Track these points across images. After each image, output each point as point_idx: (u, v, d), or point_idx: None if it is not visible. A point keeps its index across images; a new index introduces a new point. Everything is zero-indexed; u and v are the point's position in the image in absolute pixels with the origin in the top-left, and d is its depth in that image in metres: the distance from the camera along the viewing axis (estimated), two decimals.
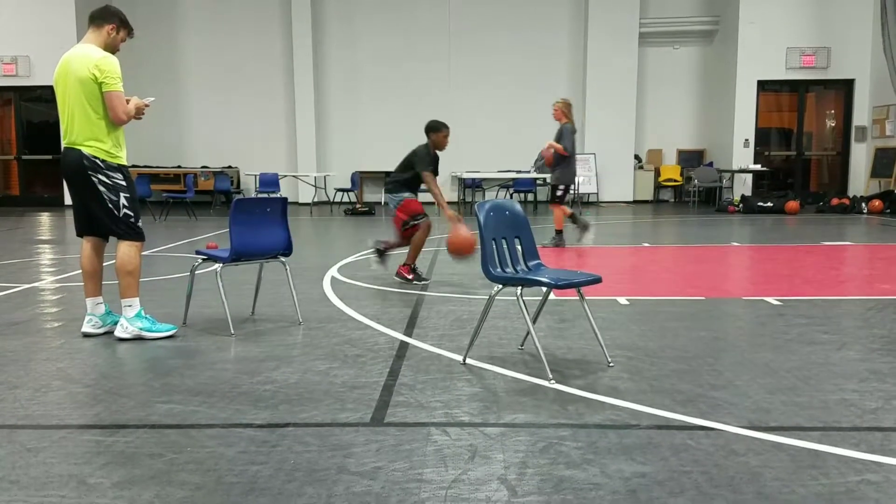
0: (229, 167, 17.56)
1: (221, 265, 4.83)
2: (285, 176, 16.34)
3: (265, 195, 15.20)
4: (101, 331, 4.69)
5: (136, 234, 4.62)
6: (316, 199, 16.88)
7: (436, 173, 6.68)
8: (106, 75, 4.40)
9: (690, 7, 16.95)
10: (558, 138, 9.07)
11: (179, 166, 17.56)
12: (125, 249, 4.57)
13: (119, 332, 4.59)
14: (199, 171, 17.08)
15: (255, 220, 4.84)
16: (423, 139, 6.79)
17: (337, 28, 17.37)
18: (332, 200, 16.97)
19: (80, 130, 4.44)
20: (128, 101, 4.53)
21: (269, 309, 5.49)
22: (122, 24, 4.65)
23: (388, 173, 16.91)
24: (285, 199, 5.08)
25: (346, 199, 16.94)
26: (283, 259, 5.01)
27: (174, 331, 4.71)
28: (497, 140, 17.18)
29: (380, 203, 17.00)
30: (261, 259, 5.01)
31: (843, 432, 3.01)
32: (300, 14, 17.03)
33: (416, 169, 6.57)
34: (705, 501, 2.42)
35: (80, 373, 3.92)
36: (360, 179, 16.98)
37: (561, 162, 9.11)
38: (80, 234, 4.72)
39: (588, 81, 16.76)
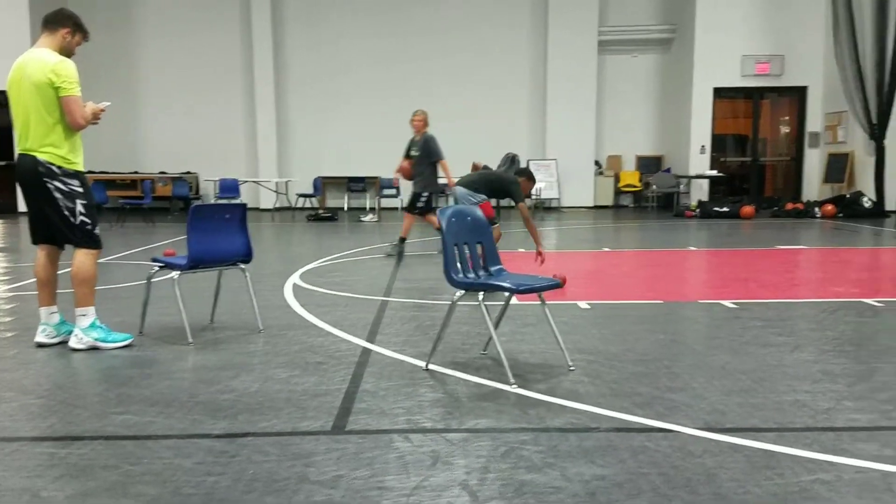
0: (188, 173, 17.32)
1: (179, 273, 4.76)
2: (245, 181, 16.17)
3: (225, 201, 15.04)
4: (55, 340, 4.59)
5: (93, 242, 4.52)
6: (278, 205, 16.74)
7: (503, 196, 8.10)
8: (63, 80, 4.31)
9: (648, 16, 17.22)
10: (426, 147, 9.02)
11: (136, 172, 17.26)
12: (81, 258, 4.48)
13: (73, 343, 4.49)
14: (156, 177, 16.82)
15: (213, 226, 4.78)
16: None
17: (297, 31, 17.26)
18: (294, 206, 16.83)
19: (35, 136, 4.34)
20: (84, 106, 4.44)
21: (228, 316, 5.42)
22: (77, 28, 4.55)
23: (350, 178, 16.96)
24: (244, 205, 5.03)
25: (308, 204, 16.82)
26: (242, 266, 4.96)
27: (130, 340, 4.63)
28: (460, 145, 17.19)
29: (342, 208, 16.93)
30: (219, 266, 4.95)
31: (796, 433, 3.08)
32: (260, 17, 16.88)
33: (516, 198, 7.68)
34: (663, 503, 2.46)
35: (33, 384, 3.83)
36: (323, 185, 16.89)
37: (426, 170, 9.08)
38: (36, 241, 4.61)
39: (549, 88, 16.91)
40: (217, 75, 17.28)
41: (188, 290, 6.22)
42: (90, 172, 16.95)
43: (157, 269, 4.92)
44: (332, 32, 17.20)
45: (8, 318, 5.45)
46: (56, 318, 4.62)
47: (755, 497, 2.49)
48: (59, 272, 4.72)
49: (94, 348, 4.48)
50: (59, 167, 4.36)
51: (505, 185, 7.90)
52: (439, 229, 3.85)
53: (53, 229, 4.49)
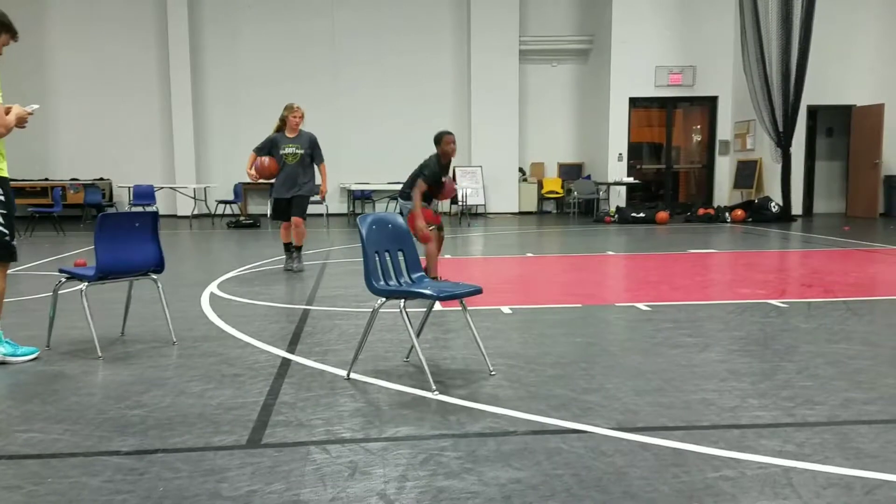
0: (101, 179, 16.70)
1: (87, 284, 4.58)
2: (161, 188, 15.72)
3: (139, 208, 14.57)
4: None
5: (8, 254, 4.31)
6: (196, 212, 16.31)
7: (441, 180, 6.80)
8: None
9: (567, 27, 17.61)
10: (313, 146, 8.10)
11: (47, 179, 16.54)
12: None
13: None
14: (67, 184, 16.15)
15: (122, 235, 4.61)
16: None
17: (215, 34, 16.89)
18: (213, 213, 16.45)
19: None
20: (8, 110, 4.21)
21: (140, 329, 5.24)
22: (4, 28, 4.35)
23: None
24: (156, 213, 4.89)
25: (228, 211, 16.47)
26: (154, 276, 4.81)
27: (37, 354, 4.43)
28: (385, 152, 17.20)
29: (265, 215, 16.64)
30: (130, 277, 4.79)
31: (703, 431, 3.19)
32: (176, 17, 16.45)
33: (423, 176, 6.68)
34: (575, 503, 2.51)
35: None
36: (244, 191, 16.56)
37: (310, 171, 8.18)
38: None
39: (473, 96, 17.08)
40: (132, 77, 16.75)
41: (98, 301, 5.99)
42: None
43: (64, 279, 4.72)
44: (252, 36, 16.92)
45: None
46: None
47: (662, 495, 2.57)
48: None
49: (1, 363, 4.28)
50: None
51: (420, 170, 6.90)
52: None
53: None
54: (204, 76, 16.91)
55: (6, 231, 4.30)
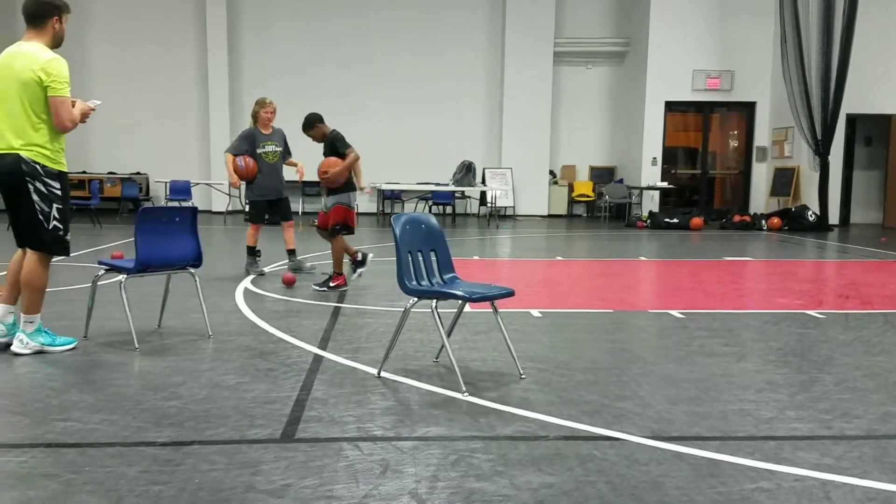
0: (138, 173, 16.97)
1: (126, 276, 4.66)
2: (198, 183, 15.92)
3: (175, 203, 14.78)
4: (4, 340, 4.43)
5: (63, 248, 4.40)
6: (230, 208, 16.50)
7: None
8: (53, 79, 4.17)
9: (603, 29, 17.51)
10: (286, 143, 7.81)
11: (84, 171, 16.84)
12: (35, 263, 4.32)
13: (17, 348, 4.34)
14: (105, 177, 16.43)
15: (162, 229, 4.69)
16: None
17: (253, 32, 17.07)
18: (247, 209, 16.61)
19: (19, 134, 4.17)
20: (72, 105, 4.29)
21: (176, 321, 5.32)
22: (61, 10, 4.35)
23: (306, 182, 16.82)
24: (195, 208, 4.96)
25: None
26: (192, 270, 4.88)
27: (74, 343, 4.52)
28: (416, 152, 17.25)
29: (297, 212, 16.76)
30: (168, 270, 4.86)
31: (739, 441, 3.15)
32: (214, 15, 16.65)
33: (342, 149, 6.58)
34: None
35: None
36: None
37: (281, 170, 7.82)
38: (20, 245, 4.45)
39: (505, 97, 17.05)
40: (171, 75, 16.99)
41: (135, 294, 6.08)
42: None
43: (103, 271, 4.81)
44: (289, 34, 17.06)
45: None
46: (10, 318, 4.47)
47: None
48: None
49: (39, 352, 4.36)
50: (43, 167, 4.22)
51: (334, 147, 6.93)
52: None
53: (22, 230, 4.32)
54: (241, 74, 17.09)
55: (61, 226, 4.35)
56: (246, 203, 7.34)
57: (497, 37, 17.28)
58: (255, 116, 7.52)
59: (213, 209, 16.77)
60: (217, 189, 16.34)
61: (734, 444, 3.12)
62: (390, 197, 16.40)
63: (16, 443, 3.02)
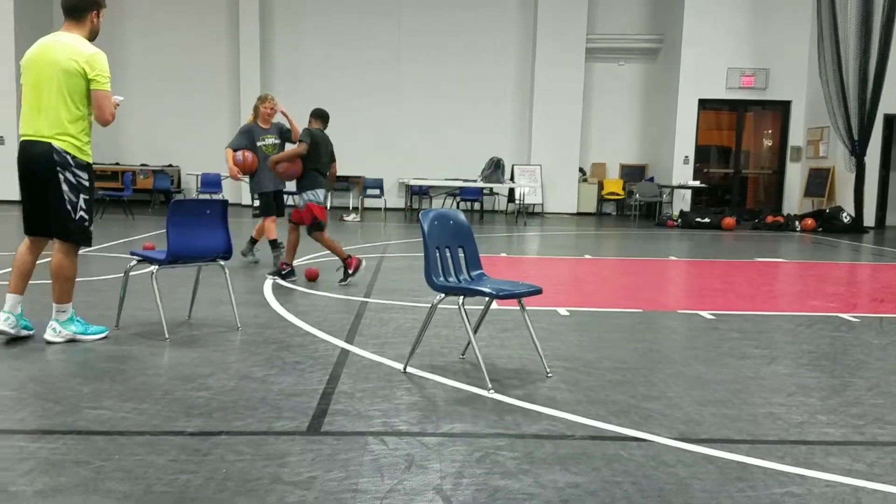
0: (169, 166, 17.19)
1: (157, 267, 4.72)
2: (227, 177, 16.06)
3: (206, 196, 14.95)
4: (12, 331, 4.38)
5: (86, 239, 4.44)
6: None
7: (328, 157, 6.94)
8: (97, 73, 4.23)
9: (636, 25, 17.35)
10: (286, 137, 7.75)
11: (118, 163, 17.11)
12: (65, 254, 4.37)
13: (50, 336, 4.40)
14: (137, 169, 16.67)
15: (193, 221, 4.75)
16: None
17: (284, 28, 17.19)
18: None
19: (52, 123, 4.21)
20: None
21: (206, 313, 5.39)
22: (99, 5, 4.42)
23: (338, 178, 16.89)
24: (226, 201, 5.01)
25: (290, 202, 16.74)
26: (222, 262, 4.93)
27: (106, 333, 4.59)
28: (445, 148, 17.26)
29: (326, 207, 16.86)
30: (199, 262, 4.92)
31: (769, 445, 3.11)
32: (247, 9, 16.79)
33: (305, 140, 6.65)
34: None
35: (5, 376, 3.78)
36: None
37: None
38: (32, 233, 4.46)
39: (535, 92, 16.98)
40: (202, 67, 17.17)
41: (166, 285, 6.17)
42: None
43: (135, 262, 4.88)
44: (319, 27, 17.15)
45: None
46: (19, 308, 4.46)
47: None
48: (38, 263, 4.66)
49: (71, 341, 4.43)
50: (73, 157, 4.28)
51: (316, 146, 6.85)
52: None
53: (50, 220, 4.35)
54: (272, 70, 17.22)
55: (87, 217, 4.41)
56: (255, 198, 7.42)
57: (528, 33, 17.21)
58: (255, 111, 7.69)
59: (243, 202, 16.93)
60: (247, 182, 16.48)
61: (764, 447, 3.08)
62: (418, 193, 16.43)
63: (48, 429, 3.08)
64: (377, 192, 16.63)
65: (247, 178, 7.68)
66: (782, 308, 6.32)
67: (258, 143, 7.48)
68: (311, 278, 6.96)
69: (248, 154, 7.33)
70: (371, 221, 14.24)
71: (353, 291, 6.48)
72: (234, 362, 4.15)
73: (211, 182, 15.67)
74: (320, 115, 7.04)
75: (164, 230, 4.71)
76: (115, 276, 6.73)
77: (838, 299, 6.73)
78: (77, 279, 4.56)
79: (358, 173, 16.95)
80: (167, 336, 4.63)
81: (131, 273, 4.95)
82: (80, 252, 4.63)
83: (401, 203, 17.01)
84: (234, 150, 7.32)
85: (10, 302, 4.42)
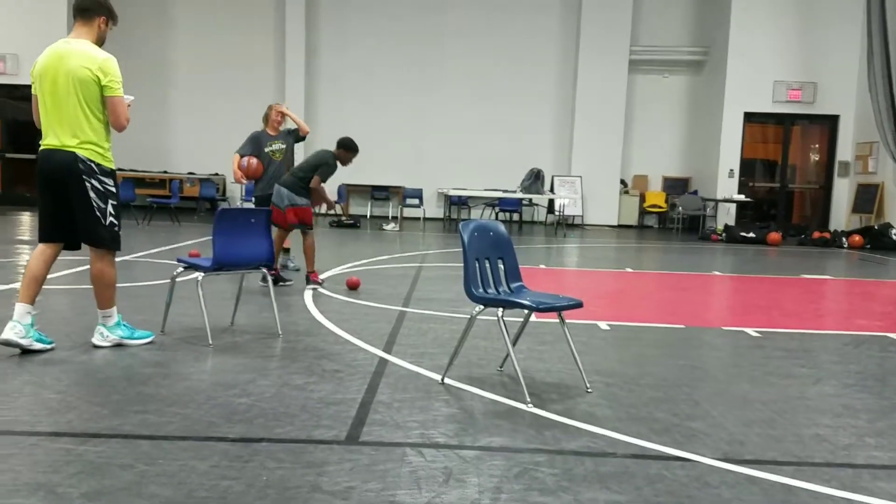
0: (215, 174, 17.49)
1: (203, 274, 4.80)
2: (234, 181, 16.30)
3: (250, 205, 15.16)
4: (23, 341, 4.25)
5: (116, 244, 4.47)
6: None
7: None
8: (110, 78, 4.25)
9: (680, 37, 17.18)
10: (292, 146, 8.05)
11: (166, 171, 17.47)
12: (103, 261, 4.41)
13: (98, 341, 4.49)
14: (184, 177, 17.00)
15: (238, 230, 4.82)
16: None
17: (330, 38, 17.41)
18: (317, 212, 16.92)
19: (72, 131, 4.22)
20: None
21: (248, 320, 5.45)
22: (110, 15, 4.45)
23: (374, 187, 17.05)
24: (269, 210, 5.08)
25: (331, 211, 16.90)
26: (264, 270, 4.99)
27: (152, 338, 4.67)
28: (484, 158, 17.26)
29: (365, 216, 17.00)
30: (243, 269, 4.99)
31: (815, 468, 3.03)
32: (293, 20, 17.05)
33: (320, 174, 6.95)
34: None
35: (53, 379, 3.87)
36: (347, 192, 16.97)
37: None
38: (45, 239, 4.40)
39: (577, 104, 16.90)
40: (249, 80, 17.45)
41: (210, 291, 6.26)
42: (120, 170, 17.19)
43: (181, 269, 4.97)
44: (363, 40, 17.32)
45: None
46: (29, 318, 4.31)
47: None
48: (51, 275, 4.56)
49: (118, 345, 4.51)
50: (97, 164, 4.29)
51: (317, 165, 7.05)
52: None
53: (79, 228, 4.36)
54: (318, 81, 17.44)
55: (116, 222, 4.42)
56: (249, 199, 7.76)
57: (571, 44, 17.15)
58: (265, 119, 7.97)
59: None
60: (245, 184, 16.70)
61: (810, 470, 3.00)
62: (457, 203, 16.45)
63: (95, 432, 3.14)
64: (416, 201, 16.69)
65: (251, 183, 7.90)
66: (829, 327, 6.16)
67: (265, 149, 7.73)
68: (353, 287, 7.01)
69: (254, 160, 7.54)
70: (410, 231, 14.29)
71: (392, 301, 6.51)
72: (275, 369, 4.19)
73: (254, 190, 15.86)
74: (347, 147, 7.22)
75: (209, 237, 4.79)
76: (161, 281, 6.85)
77: (886, 318, 6.54)
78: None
79: (397, 183, 17.05)
80: (210, 342, 4.69)
81: (177, 279, 5.03)
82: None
83: (440, 213, 17.05)
84: (242, 157, 7.60)
85: (19, 311, 4.28)
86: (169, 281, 5.04)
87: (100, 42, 4.41)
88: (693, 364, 4.69)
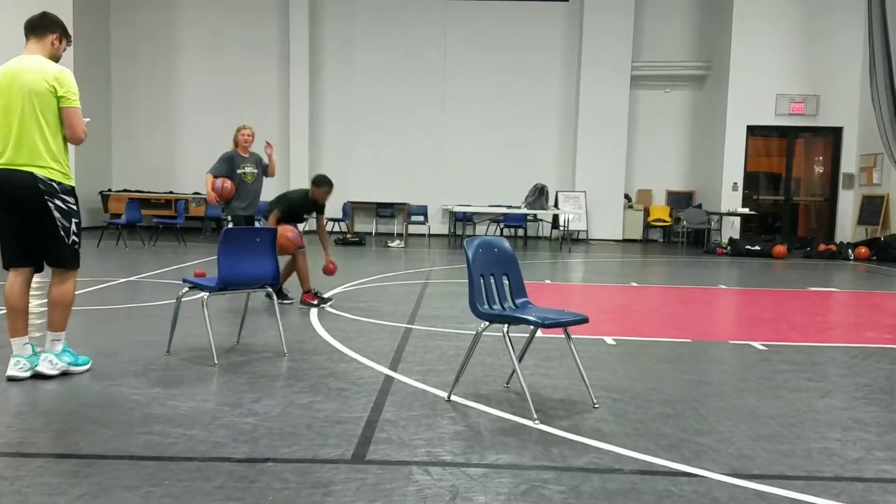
0: None
1: (208, 294, 4.81)
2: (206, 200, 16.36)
3: (257, 224, 15.19)
4: (28, 374, 4.20)
5: (76, 262, 4.33)
6: (306, 228, 16.85)
7: (303, 215, 7.60)
8: (66, 89, 4.09)
9: (682, 52, 17.24)
10: (263, 167, 8.15)
11: (171, 192, 17.55)
12: (65, 281, 4.27)
13: (46, 369, 4.23)
14: (190, 197, 17.07)
15: (243, 249, 4.83)
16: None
17: (334, 58, 17.52)
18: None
19: (32, 150, 4.05)
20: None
21: (253, 339, 5.45)
22: (64, 34, 4.31)
23: (379, 204, 17.10)
24: (275, 230, 5.09)
25: (336, 228, 16.95)
26: (270, 289, 4.99)
27: (89, 364, 4.47)
28: (488, 174, 17.31)
29: (370, 233, 17.03)
30: (248, 289, 4.99)
31: (824, 482, 3.00)
32: (297, 40, 17.17)
33: (277, 208, 7.47)
34: None
35: (59, 400, 3.87)
36: (352, 209, 17.02)
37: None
38: (10, 265, 4.22)
39: (580, 120, 16.95)
40: (252, 100, 17.56)
41: (215, 311, 6.27)
42: (126, 191, 17.35)
43: (186, 289, 4.97)
44: (366, 60, 17.43)
45: (38, 334, 5.53)
46: (29, 349, 4.26)
47: None
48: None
49: (64, 373, 4.31)
50: (59, 184, 4.14)
51: (276, 200, 7.60)
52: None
53: (44, 250, 4.22)
54: (322, 99, 17.54)
55: (78, 241, 4.31)
56: (228, 221, 7.88)
57: (573, 60, 17.23)
58: (235, 140, 8.00)
59: None
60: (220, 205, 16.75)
61: (819, 484, 2.97)
62: (462, 219, 16.46)
63: (101, 454, 3.13)
64: (421, 218, 16.72)
65: (223, 204, 7.98)
66: (836, 339, 6.12)
67: (238, 171, 7.77)
68: (329, 273, 7.33)
69: (228, 183, 7.63)
70: (415, 248, 14.30)
71: (398, 318, 6.50)
72: (281, 388, 4.18)
73: (259, 210, 15.90)
74: (315, 182, 7.47)
75: (214, 257, 4.80)
76: (164, 302, 6.87)
77: (895, 330, 6.51)
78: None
79: (402, 200, 17.09)
80: (216, 362, 4.69)
81: (183, 299, 5.04)
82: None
83: (444, 229, 17.07)
84: (215, 177, 7.65)
85: (16, 345, 4.23)
86: (174, 301, 5.05)
87: (53, 59, 4.24)
88: (700, 378, 4.66)
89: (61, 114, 4.13)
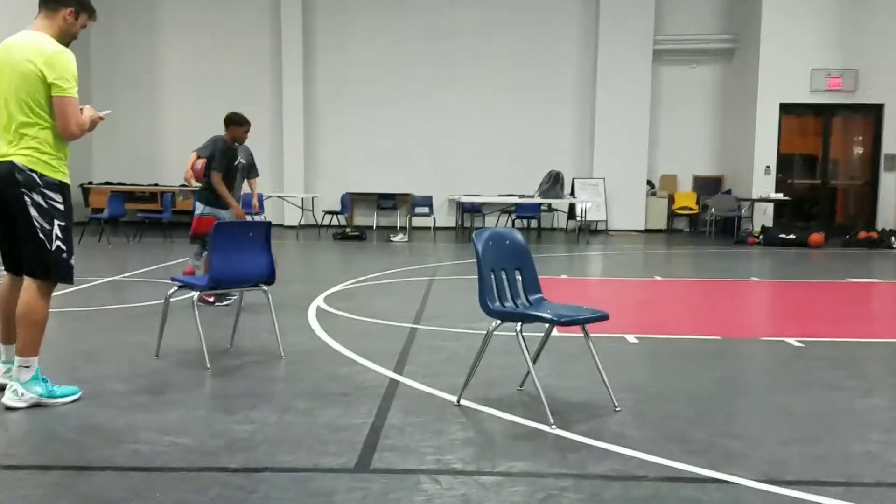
0: None
1: (198, 293, 4.84)
2: (270, 197, 16.39)
3: (248, 217, 15.26)
4: (22, 404, 3.89)
5: (67, 274, 3.95)
6: (303, 222, 16.93)
7: (231, 171, 7.31)
8: (58, 75, 3.77)
9: (709, 24, 17.16)
10: (252, 160, 8.42)
11: (156, 184, 17.62)
12: (35, 294, 3.83)
13: (9, 400, 3.84)
14: (177, 190, 17.14)
15: (235, 245, 4.85)
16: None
17: (328, 44, 17.50)
18: (320, 223, 17.02)
19: (12, 137, 3.79)
20: (80, 110, 3.93)
21: (248, 341, 5.49)
22: (83, 8, 3.98)
23: (380, 195, 17.12)
24: (269, 223, 5.12)
25: (335, 222, 16.99)
26: (265, 288, 5.03)
27: (78, 395, 4.05)
28: (498, 161, 17.29)
29: (371, 227, 17.07)
30: (241, 287, 5.03)
31: (866, 488, 3.02)
32: (290, 24, 17.19)
33: (216, 168, 7.11)
34: None
35: (39, 409, 3.91)
36: (352, 201, 17.05)
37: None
38: (7, 268, 4.04)
39: (597, 100, 16.91)
40: (243, 86, 17.55)
41: (207, 311, 6.32)
42: (108, 184, 17.40)
43: (175, 288, 5.01)
44: (363, 44, 17.42)
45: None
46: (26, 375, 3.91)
47: None
48: None
49: (36, 405, 3.88)
50: (40, 175, 3.80)
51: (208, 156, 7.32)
52: None
53: (23, 254, 3.87)
54: (315, 86, 17.53)
55: (65, 248, 3.90)
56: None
57: (590, 36, 17.18)
58: (234, 135, 7.92)
59: (286, 223, 17.25)
60: (290, 202, 16.82)
61: (859, 490, 2.99)
62: (470, 210, 16.47)
63: (85, 465, 3.17)
64: (426, 210, 16.74)
65: (197, 185, 7.89)
66: (878, 334, 6.13)
67: (233, 162, 7.80)
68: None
69: (200, 164, 7.63)
70: (420, 242, 14.33)
71: (402, 317, 6.53)
72: (278, 393, 4.22)
73: (251, 202, 15.98)
74: (233, 122, 7.37)
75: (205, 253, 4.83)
76: (152, 302, 6.91)
77: None
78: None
79: (405, 190, 17.10)
80: (208, 366, 4.73)
81: (172, 299, 5.08)
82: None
83: (451, 222, 17.07)
84: (205, 160, 7.66)
85: (4, 352, 4.09)
86: (162, 301, 5.09)
87: (65, 38, 3.96)
88: (729, 377, 4.68)
89: (52, 102, 3.82)
